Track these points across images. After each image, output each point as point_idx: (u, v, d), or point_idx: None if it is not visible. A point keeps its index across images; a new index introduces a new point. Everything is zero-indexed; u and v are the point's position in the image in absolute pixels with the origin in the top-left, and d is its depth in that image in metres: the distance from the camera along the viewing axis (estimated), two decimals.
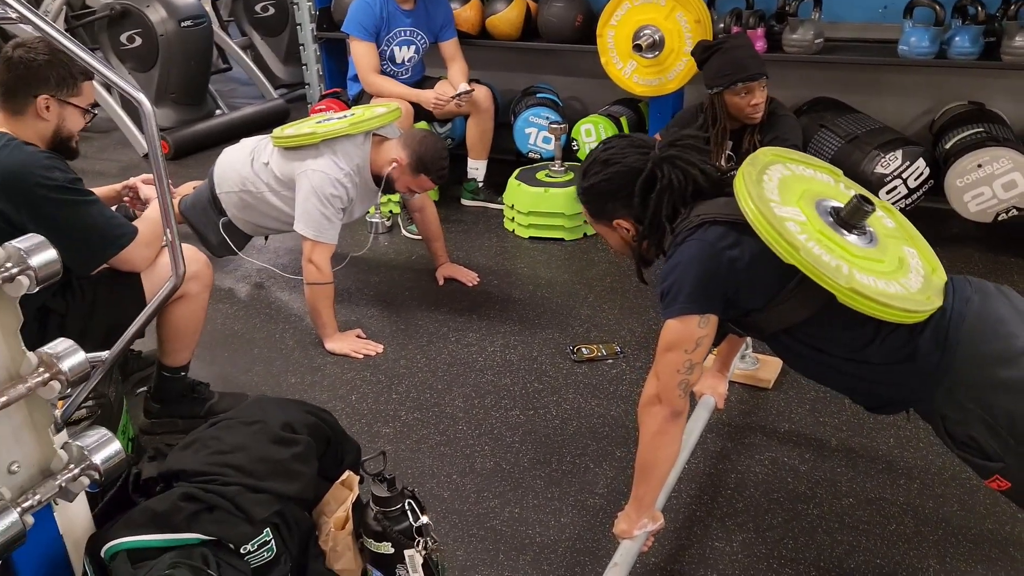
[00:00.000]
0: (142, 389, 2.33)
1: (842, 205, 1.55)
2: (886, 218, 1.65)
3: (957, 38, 3.07)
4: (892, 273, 1.48)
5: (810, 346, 1.56)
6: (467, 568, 1.81)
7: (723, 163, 2.72)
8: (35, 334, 1.85)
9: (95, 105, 2.01)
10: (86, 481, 1.17)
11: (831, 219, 1.53)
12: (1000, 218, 2.97)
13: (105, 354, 1.59)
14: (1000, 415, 1.40)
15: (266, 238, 3.23)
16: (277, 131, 2.79)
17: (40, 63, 1.86)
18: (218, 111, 5.06)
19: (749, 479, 2.04)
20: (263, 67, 5.64)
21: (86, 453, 1.17)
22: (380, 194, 2.77)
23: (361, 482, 1.79)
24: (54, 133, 1.91)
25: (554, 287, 3.08)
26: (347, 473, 1.77)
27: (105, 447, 1.18)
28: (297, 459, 1.71)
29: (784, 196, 1.54)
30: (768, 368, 2.42)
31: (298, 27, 4.32)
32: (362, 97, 3.65)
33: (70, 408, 1.58)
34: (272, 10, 5.64)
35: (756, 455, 2.12)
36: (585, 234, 3.46)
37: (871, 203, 1.52)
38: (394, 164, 2.65)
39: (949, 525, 1.86)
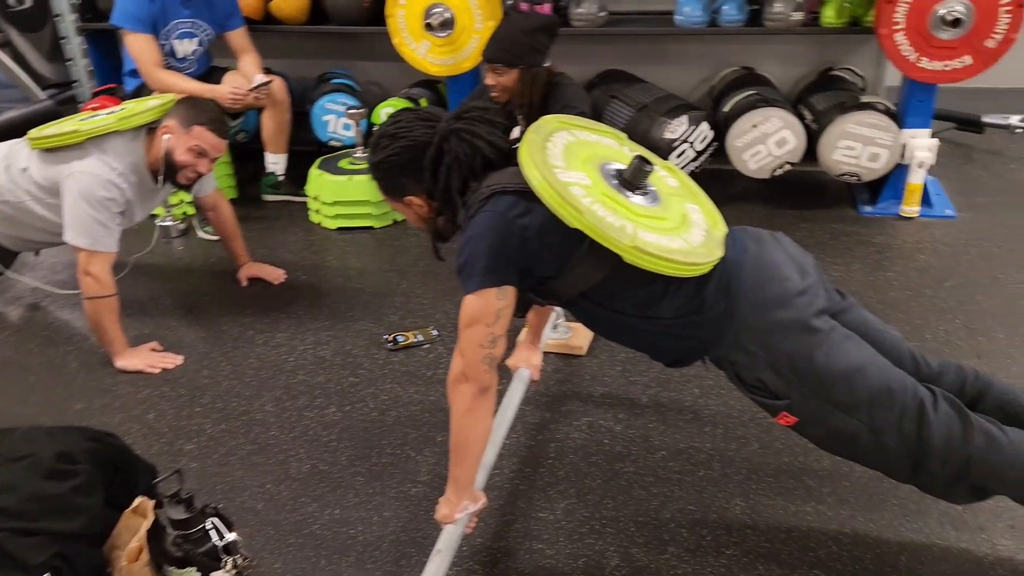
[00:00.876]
0: None
1: (625, 167, 1.58)
2: (669, 177, 1.70)
3: (725, 7, 3.25)
4: (675, 229, 1.52)
5: (606, 308, 1.58)
6: None
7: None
8: None
9: None
10: None
11: (615, 181, 1.56)
12: (776, 173, 3.19)
13: None
14: (781, 355, 1.49)
15: (37, 252, 2.91)
16: (34, 132, 2.50)
17: None
18: None
19: (568, 446, 2.07)
20: (25, 66, 5.08)
21: None
22: (163, 187, 2.54)
23: (161, 505, 1.64)
24: None
25: (366, 277, 2.99)
26: (139, 499, 1.61)
27: None
28: (77, 492, 1.54)
29: (569, 161, 1.55)
30: (580, 335, 2.47)
31: (57, 18, 3.92)
32: (142, 93, 3.35)
33: None
34: (28, 2, 5.08)
35: (574, 421, 2.16)
36: (395, 220, 3.39)
37: (651, 163, 1.55)
38: (166, 136, 2.43)
39: (751, 464, 1.97)
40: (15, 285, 2.92)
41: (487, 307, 1.52)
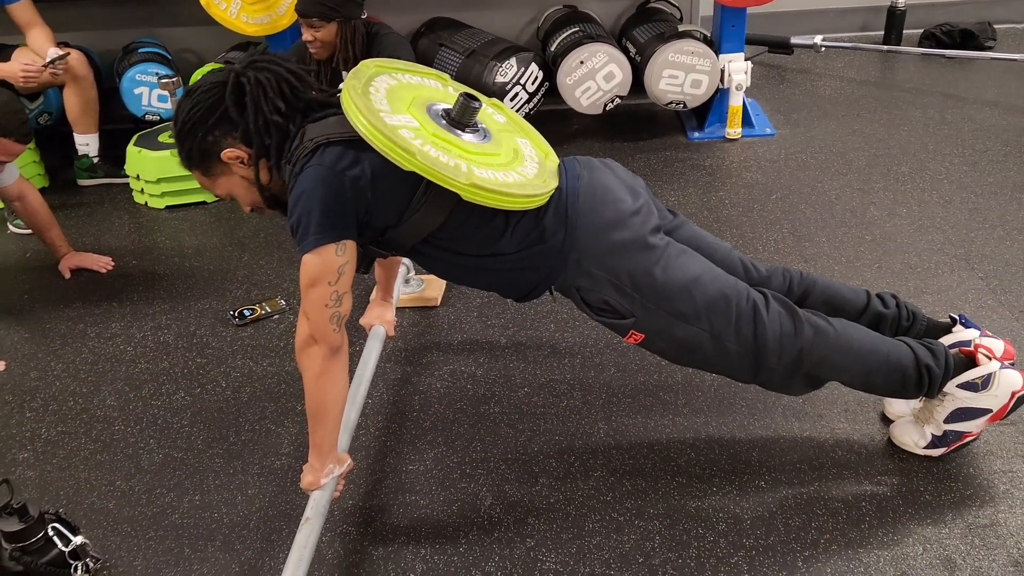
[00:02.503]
0: None
1: (452, 107, 1.55)
2: (496, 114, 1.69)
3: None
4: (509, 164, 1.52)
5: (450, 251, 1.57)
6: (150, 575, 1.62)
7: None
8: None
9: None
10: None
11: (444, 122, 1.53)
12: (608, 108, 3.25)
13: None
14: (622, 274, 1.53)
15: None
16: None
17: None
18: None
19: (432, 396, 2.06)
20: None
21: None
22: None
23: None
24: None
25: (204, 254, 2.83)
26: None
27: None
28: None
29: (394, 105, 1.51)
30: (433, 287, 2.45)
31: None
32: None
33: None
34: None
35: (435, 372, 2.15)
36: None
37: (478, 100, 1.54)
38: None
39: (610, 388, 2.03)
40: None
41: (327, 264, 1.47)
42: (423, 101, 1.56)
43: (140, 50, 3.53)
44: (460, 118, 1.53)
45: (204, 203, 3.16)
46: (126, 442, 1.98)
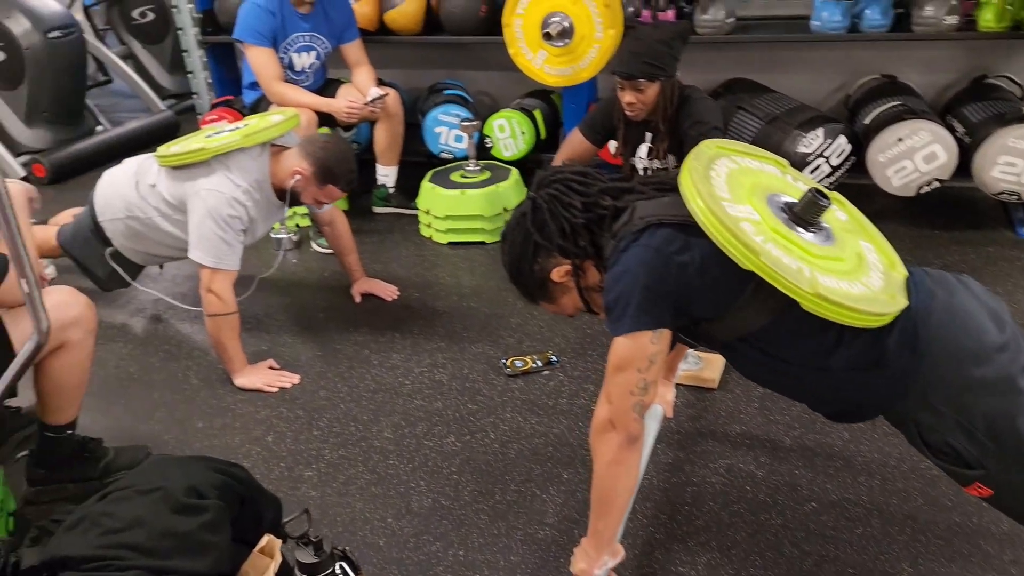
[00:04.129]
0: (23, 454, 2.04)
1: (795, 200, 1.43)
2: (838, 211, 1.53)
3: (868, 11, 3.02)
4: (853, 272, 1.36)
5: (768, 355, 1.43)
6: None
7: (644, 157, 2.60)
8: None
9: None
10: None
11: (785, 216, 1.41)
12: (923, 191, 2.94)
13: None
14: (977, 417, 1.30)
15: (161, 266, 2.94)
16: (162, 149, 2.51)
17: None
18: (99, 127, 4.66)
19: (706, 491, 1.91)
20: (147, 78, 5.23)
21: None
22: (286, 209, 2.52)
23: (285, 541, 1.58)
24: None
25: (480, 296, 2.90)
26: (267, 538, 1.55)
27: None
28: (207, 528, 1.48)
29: (734, 193, 1.41)
30: (712, 367, 2.31)
31: (180, 32, 3.99)
32: (259, 105, 3.38)
33: None
34: (151, 15, 5.24)
35: (710, 463, 2.00)
36: None
37: (826, 196, 1.39)
38: (297, 176, 2.42)
39: (916, 522, 1.78)
40: (138, 296, 2.96)
41: (640, 351, 1.40)
42: (763, 190, 1.45)
43: (445, 91, 3.74)
44: (804, 215, 1.40)
45: (483, 243, 3.26)
46: (399, 479, 2.03)
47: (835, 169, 3.01)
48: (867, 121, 3.05)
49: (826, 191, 1.41)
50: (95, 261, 2.65)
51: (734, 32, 3.25)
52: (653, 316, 1.39)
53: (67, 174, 4.21)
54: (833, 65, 3.48)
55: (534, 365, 2.44)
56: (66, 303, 1.80)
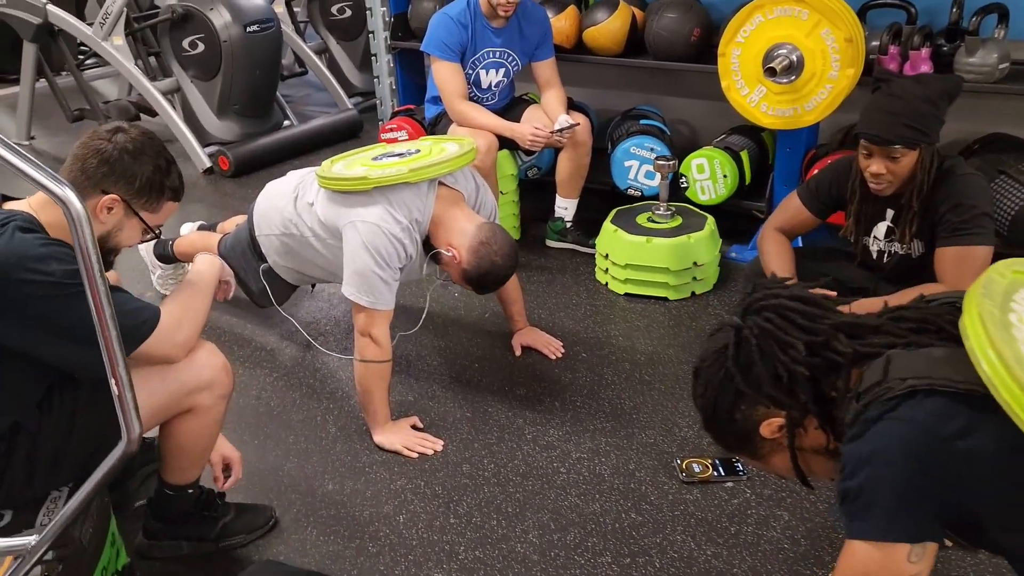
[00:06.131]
0: (141, 503, 1.88)
1: None
2: None
3: None
4: None
5: None
6: None
7: (880, 238, 2.11)
8: (1, 455, 1.43)
9: (159, 226, 1.62)
10: None
11: None
12: None
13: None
14: None
15: (312, 287, 2.78)
16: (325, 165, 2.32)
17: (133, 158, 1.50)
18: (286, 122, 4.67)
19: None
20: (338, 73, 5.23)
21: None
22: (427, 263, 2.25)
23: None
24: (100, 240, 1.48)
25: (657, 366, 2.51)
26: None
27: None
28: None
29: None
30: None
31: (371, 35, 3.86)
32: (440, 121, 3.16)
33: None
34: (348, 12, 5.22)
35: None
36: (693, 293, 2.88)
37: None
38: (451, 253, 2.15)
39: None
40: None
41: (891, 569, 0.99)
42: None
43: (641, 120, 3.36)
44: None
45: (666, 299, 2.86)
46: None
47: None
48: None
49: None
50: (250, 275, 2.51)
51: (1007, 80, 2.65)
52: (915, 525, 0.99)
53: (249, 168, 4.22)
54: None
55: (715, 474, 2.03)
56: (201, 364, 1.60)
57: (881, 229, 2.09)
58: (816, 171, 2.43)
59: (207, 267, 1.79)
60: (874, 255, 2.14)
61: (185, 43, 4.23)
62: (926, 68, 2.70)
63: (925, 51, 2.71)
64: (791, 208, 2.22)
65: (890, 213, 2.07)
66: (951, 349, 1.03)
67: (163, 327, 1.52)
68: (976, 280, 1.07)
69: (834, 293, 1.48)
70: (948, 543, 1.10)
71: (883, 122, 1.89)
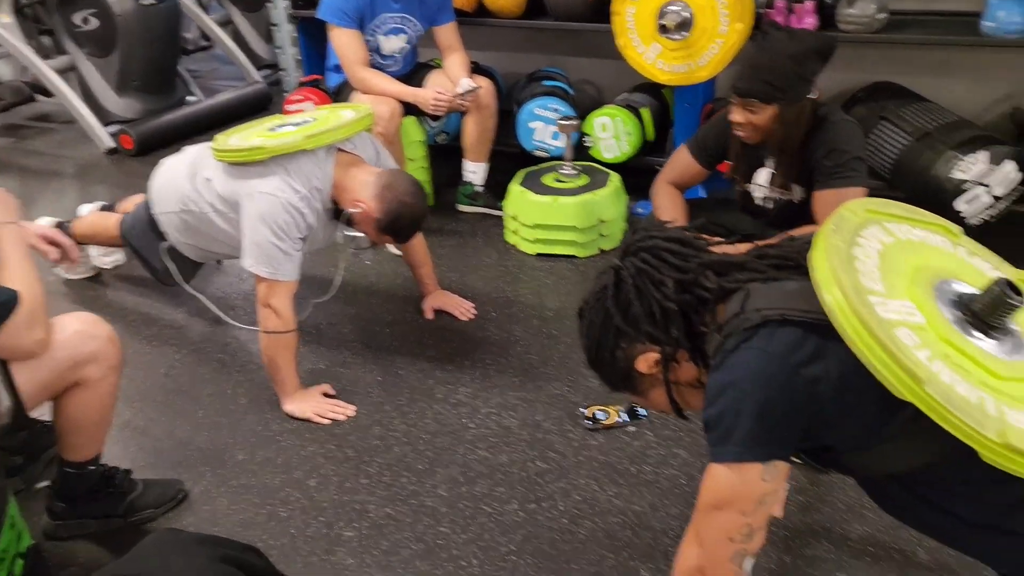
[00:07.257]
0: (43, 484, 1.86)
1: (972, 288, 1.06)
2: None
3: None
4: None
5: (928, 502, 1.07)
6: None
7: (763, 183, 2.20)
8: None
9: None
10: None
11: (958, 314, 1.03)
12: None
13: None
14: None
15: (219, 263, 2.75)
16: (220, 138, 2.29)
17: None
18: (190, 97, 4.56)
19: None
20: (243, 45, 5.11)
21: None
22: (340, 227, 2.27)
23: None
24: None
25: (564, 321, 2.58)
26: None
27: None
28: None
29: (889, 281, 1.04)
30: None
31: (269, 4, 3.79)
32: (343, 89, 3.13)
33: None
34: None
35: (823, 574, 1.64)
36: (601, 249, 2.95)
37: (1019, 291, 1.01)
38: (360, 207, 2.15)
39: None
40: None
41: (746, 489, 1.06)
42: (929, 275, 1.08)
43: (545, 82, 3.40)
44: (987, 316, 1.02)
45: (574, 257, 2.93)
46: (448, 552, 1.76)
47: (998, 199, 2.53)
48: None
49: (1017, 282, 1.02)
50: (152, 254, 2.48)
51: (884, 30, 2.77)
52: (767, 446, 1.06)
53: (155, 146, 4.10)
54: (1000, 71, 2.95)
55: (618, 419, 2.11)
56: (85, 335, 1.59)
57: (762, 176, 2.18)
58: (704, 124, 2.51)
59: (8, 243, 1.48)
60: (760, 202, 2.23)
61: (77, 18, 4.08)
62: (810, 20, 2.80)
63: (810, 4, 2.81)
64: (681, 161, 2.30)
65: (770, 161, 2.15)
66: (804, 282, 1.10)
67: (18, 321, 1.41)
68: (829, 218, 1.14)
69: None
70: (795, 459, 1.18)
71: (745, 74, 1.98)
